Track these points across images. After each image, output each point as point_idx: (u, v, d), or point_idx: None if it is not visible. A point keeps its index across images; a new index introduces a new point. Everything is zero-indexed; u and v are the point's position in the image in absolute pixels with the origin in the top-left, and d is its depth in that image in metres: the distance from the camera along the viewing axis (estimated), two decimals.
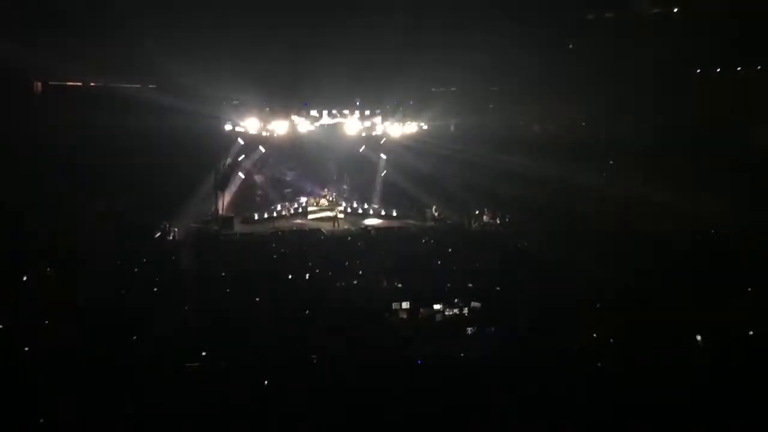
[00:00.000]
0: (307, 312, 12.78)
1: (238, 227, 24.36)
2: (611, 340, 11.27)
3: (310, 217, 26.91)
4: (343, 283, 15.60)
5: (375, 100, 27.02)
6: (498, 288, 14.78)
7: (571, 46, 25.32)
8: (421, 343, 11.45)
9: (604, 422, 8.34)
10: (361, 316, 12.68)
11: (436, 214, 26.66)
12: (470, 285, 15.05)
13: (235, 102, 25.41)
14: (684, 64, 23.49)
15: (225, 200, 25.72)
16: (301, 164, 28.40)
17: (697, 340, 10.88)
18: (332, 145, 27.71)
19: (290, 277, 15.98)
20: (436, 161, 26.40)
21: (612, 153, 24.55)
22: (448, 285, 15.06)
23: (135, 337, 10.98)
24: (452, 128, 28.47)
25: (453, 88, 28.31)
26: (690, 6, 23.18)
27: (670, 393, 8.79)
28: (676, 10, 23.36)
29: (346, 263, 17.44)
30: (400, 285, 15.42)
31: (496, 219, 25.02)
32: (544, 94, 25.72)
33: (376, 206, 27.85)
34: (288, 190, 28.01)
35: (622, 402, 8.67)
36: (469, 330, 12.20)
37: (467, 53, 22.60)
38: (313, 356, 10.36)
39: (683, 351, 10.56)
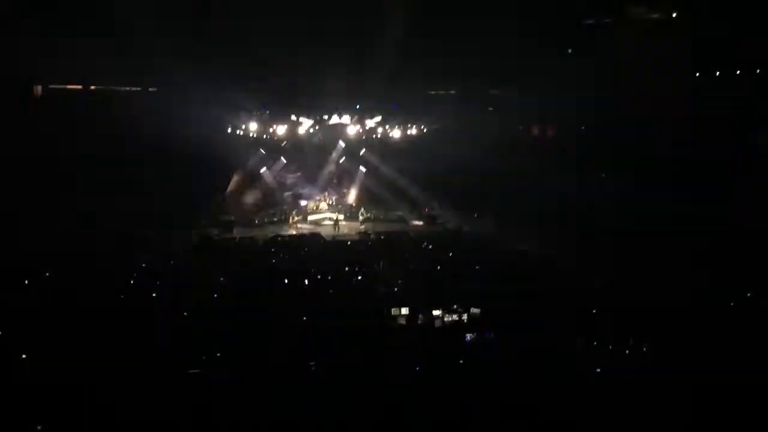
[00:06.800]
0: (305, 317, 12.78)
1: (238, 231, 24.37)
2: (609, 346, 11.27)
3: (310, 220, 26.93)
4: (342, 288, 15.59)
5: (374, 104, 27.06)
6: (497, 293, 14.75)
7: (570, 51, 25.33)
8: (419, 350, 11.44)
9: (603, 424, 8.37)
10: (360, 321, 12.68)
11: (432, 214, 26.69)
12: (469, 290, 15.02)
13: (235, 106, 25.45)
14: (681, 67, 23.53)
15: (225, 203, 25.73)
16: (301, 168, 28.41)
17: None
18: (332, 148, 27.70)
19: (289, 281, 15.98)
20: (435, 164, 26.42)
21: (609, 154, 24.57)
22: (447, 290, 15.05)
23: (135, 342, 10.98)
24: (452, 130, 28.50)
25: (452, 91, 28.35)
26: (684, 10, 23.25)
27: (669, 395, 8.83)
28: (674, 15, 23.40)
29: (346, 268, 17.44)
30: (398, 290, 15.41)
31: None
32: (541, 96, 25.73)
33: (377, 210, 27.84)
34: (288, 194, 28.03)
35: (620, 403, 8.70)
36: (468, 336, 12.19)
37: (465, 56, 22.66)
38: (312, 362, 10.37)
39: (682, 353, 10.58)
